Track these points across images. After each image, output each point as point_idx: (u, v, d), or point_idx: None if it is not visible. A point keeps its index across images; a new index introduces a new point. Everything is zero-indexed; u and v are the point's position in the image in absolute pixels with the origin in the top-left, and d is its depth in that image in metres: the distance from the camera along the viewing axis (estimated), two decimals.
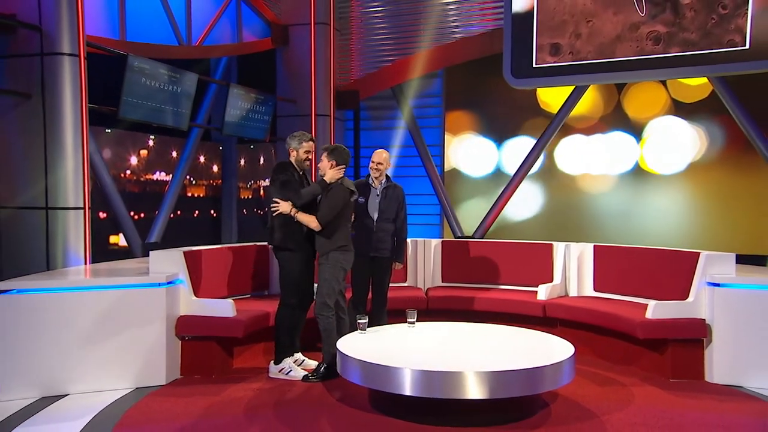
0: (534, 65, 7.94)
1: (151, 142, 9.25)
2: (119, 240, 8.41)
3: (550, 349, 4.25)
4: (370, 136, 10.79)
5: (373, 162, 5.38)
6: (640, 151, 9.28)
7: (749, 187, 8.68)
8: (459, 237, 10.05)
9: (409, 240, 6.56)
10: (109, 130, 8.30)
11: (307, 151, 4.86)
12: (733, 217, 8.79)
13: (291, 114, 9.84)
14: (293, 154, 4.87)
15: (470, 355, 4.21)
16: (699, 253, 5.08)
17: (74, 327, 4.53)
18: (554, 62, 7.96)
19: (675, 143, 9.07)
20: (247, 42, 9.31)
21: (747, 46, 6.89)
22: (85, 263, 6.16)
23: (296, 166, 4.87)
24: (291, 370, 4.86)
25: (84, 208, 6.21)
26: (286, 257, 4.82)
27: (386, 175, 5.45)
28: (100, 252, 8.05)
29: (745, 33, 6.97)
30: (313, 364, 5.05)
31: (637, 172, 9.32)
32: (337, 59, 10.10)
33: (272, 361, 4.93)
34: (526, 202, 9.94)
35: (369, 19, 10.18)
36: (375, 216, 5.34)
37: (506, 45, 8.10)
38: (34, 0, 5.92)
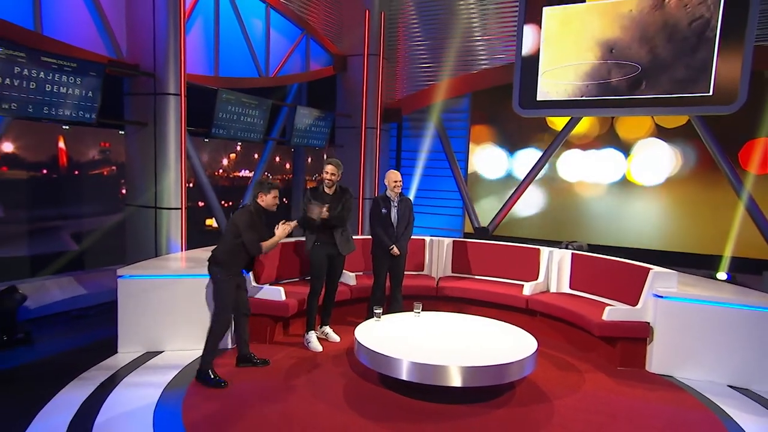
0: (537, 99, 7.83)
1: (238, 147, 9.58)
2: (213, 222, 8.73)
3: (518, 346, 4.30)
4: (409, 143, 10.88)
5: (393, 181, 5.49)
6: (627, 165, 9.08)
7: (712, 199, 8.43)
8: (477, 227, 10.13)
9: (426, 238, 6.73)
10: (207, 140, 8.67)
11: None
12: (698, 222, 8.56)
13: (346, 126, 10.01)
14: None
15: (455, 349, 4.23)
16: (650, 269, 5.07)
17: (170, 303, 4.84)
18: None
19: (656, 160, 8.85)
20: (314, 70, 9.46)
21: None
22: (182, 250, 6.43)
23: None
24: (310, 342, 5.06)
25: (181, 209, 6.45)
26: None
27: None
28: (199, 232, 8.52)
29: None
30: (335, 337, 5.28)
31: (624, 183, 9.15)
32: (385, 83, 10.17)
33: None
34: (532, 202, 9.90)
35: (411, 51, 10.17)
36: (395, 223, 5.50)
37: (515, 81, 8.00)
38: (150, 53, 6.15)
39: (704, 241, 8.33)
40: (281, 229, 4.37)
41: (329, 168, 5.03)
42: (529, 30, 7.96)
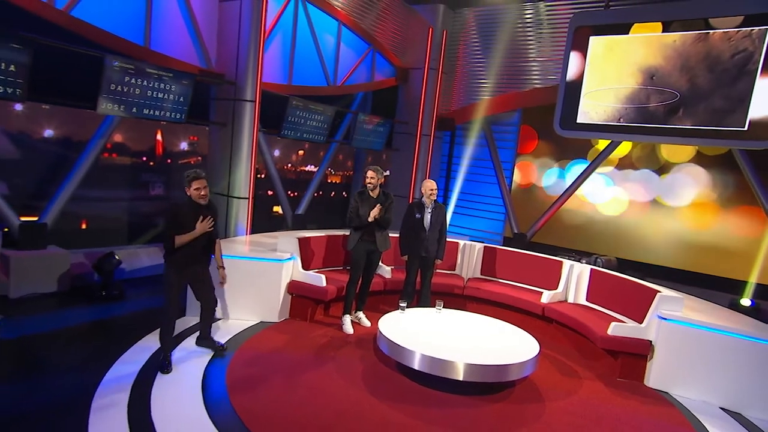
0: (577, 121, 7.71)
1: (306, 145, 10.04)
2: (279, 209, 9.21)
3: (522, 349, 4.40)
4: (460, 150, 10.94)
5: (430, 190, 5.53)
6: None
7: (744, 227, 7.97)
8: (515, 233, 10.10)
9: (460, 242, 6.85)
10: (279, 137, 9.16)
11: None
12: (728, 248, 8.13)
13: (404, 132, 10.23)
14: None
15: (464, 347, 4.33)
16: (657, 291, 5.01)
17: (231, 279, 4.94)
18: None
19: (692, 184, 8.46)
20: (378, 81, 9.71)
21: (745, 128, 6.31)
22: (246, 234, 6.89)
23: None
24: (344, 324, 5.34)
25: (249, 198, 6.87)
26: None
27: None
28: (266, 217, 9.03)
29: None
30: (367, 323, 5.54)
31: (660, 203, 8.82)
32: (442, 94, 10.29)
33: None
34: (570, 214, 9.74)
35: (469, 67, 10.22)
36: (428, 228, 5.58)
37: (558, 103, 7.90)
38: (233, 64, 6.61)
39: (734, 266, 7.92)
40: (200, 226, 4.08)
41: (369, 173, 5.24)
42: (574, 56, 7.82)
